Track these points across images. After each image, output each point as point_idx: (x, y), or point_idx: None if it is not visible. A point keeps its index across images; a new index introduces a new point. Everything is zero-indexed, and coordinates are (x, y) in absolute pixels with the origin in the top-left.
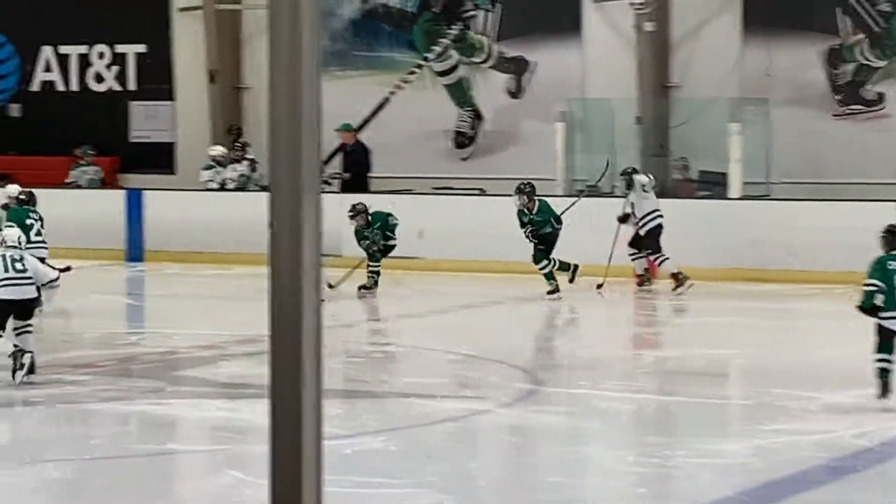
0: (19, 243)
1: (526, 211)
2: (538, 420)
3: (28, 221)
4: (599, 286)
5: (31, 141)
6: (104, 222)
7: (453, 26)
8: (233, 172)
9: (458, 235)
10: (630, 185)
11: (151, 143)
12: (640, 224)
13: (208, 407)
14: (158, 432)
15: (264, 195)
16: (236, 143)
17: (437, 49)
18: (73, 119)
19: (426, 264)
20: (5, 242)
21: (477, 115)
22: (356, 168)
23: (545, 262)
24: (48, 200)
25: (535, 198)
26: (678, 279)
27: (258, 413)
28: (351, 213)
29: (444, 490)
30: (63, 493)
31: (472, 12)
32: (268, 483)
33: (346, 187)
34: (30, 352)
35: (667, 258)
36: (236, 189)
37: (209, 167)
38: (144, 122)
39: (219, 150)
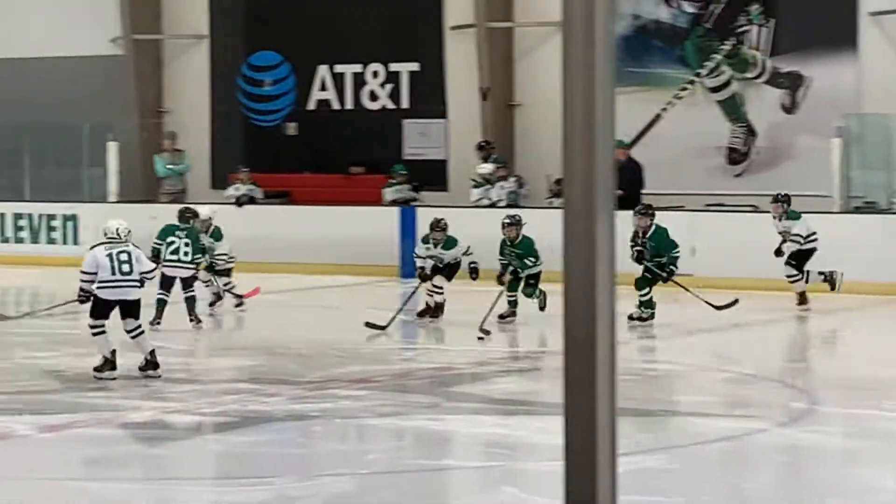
0: (118, 234)
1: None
2: (815, 440)
3: (170, 239)
4: None
5: (306, 159)
6: (378, 239)
7: (726, 42)
8: (501, 190)
9: (730, 252)
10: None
11: (424, 160)
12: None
13: (483, 423)
14: (434, 448)
15: (538, 211)
16: (496, 162)
17: (710, 65)
18: (347, 137)
19: (697, 281)
20: (106, 234)
21: (750, 131)
22: (629, 185)
23: (646, 289)
24: (324, 217)
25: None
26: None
27: (532, 430)
28: (508, 222)
29: None
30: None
31: (745, 27)
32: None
33: (620, 204)
34: (151, 350)
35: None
36: (507, 206)
37: (478, 185)
38: (417, 139)
39: (487, 168)
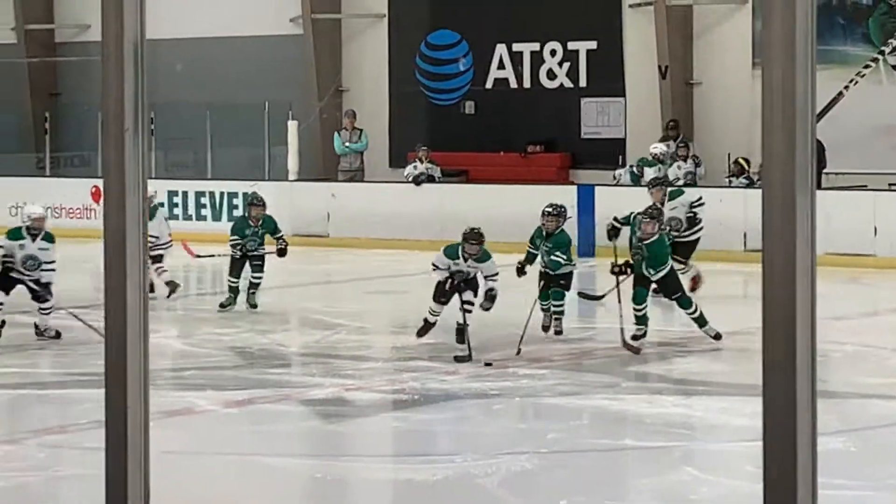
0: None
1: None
2: None
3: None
4: None
5: (484, 138)
6: None
7: None
8: (678, 171)
9: None
10: None
11: (602, 139)
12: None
13: (663, 403)
14: (614, 427)
15: (717, 191)
16: (679, 142)
17: (893, 42)
18: (525, 116)
19: (880, 262)
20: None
21: None
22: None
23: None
24: (502, 196)
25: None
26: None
27: (712, 410)
28: (550, 211)
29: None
30: (524, 485)
31: None
32: (762, 486)
33: None
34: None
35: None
36: (685, 185)
37: (650, 164)
38: (595, 117)
39: (661, 148)
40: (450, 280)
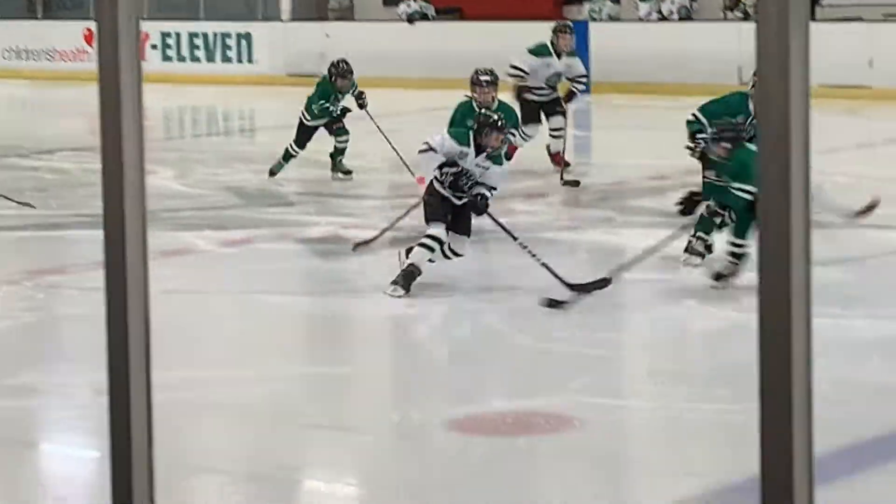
0: None
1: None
2: None
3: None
4: None
5: None
6: None
7: None
8: (671, 4)
9: None
10: None
11: None
12: None
13: (659, 236)
14: (610, 261)
15: (707, 25)
16: None
17: None
18: None
19: (876, 93)
20: None
21: None
22: None
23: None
24: (497, 33)
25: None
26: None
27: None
28: (485, 80)
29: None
30: (524, 321)
31: None
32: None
33: None
34: None
35: None
36: (680, 20)
37: None
38: None
39: None
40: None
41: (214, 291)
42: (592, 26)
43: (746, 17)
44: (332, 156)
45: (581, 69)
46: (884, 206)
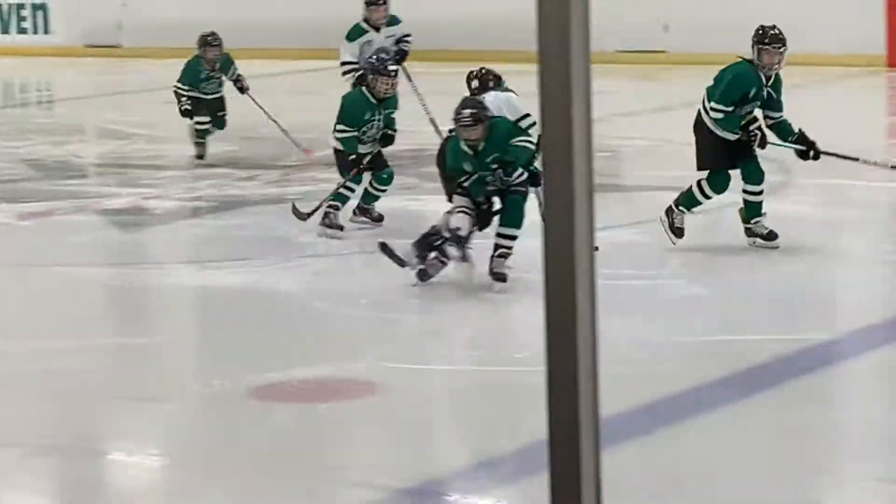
0: None
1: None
2: (793, 210)
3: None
4: None
5: None
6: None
7: None
8: None
9: (706, 28)
10: None
11: None
12: None
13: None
14: (415, 227)
15: None
16: None
17: None
18: None
19: (671, 58)
20: None
21: None
22: None
23: None
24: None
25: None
26: None
27: None
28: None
29: (694, 280)
30: (324, 287)
31: None
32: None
33: None
34: None
35: None
36: None
37: None
38: None
39: None
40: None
41: (12, 264)
42: None
43: None
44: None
45: (404, 30)
46: (676, 169)
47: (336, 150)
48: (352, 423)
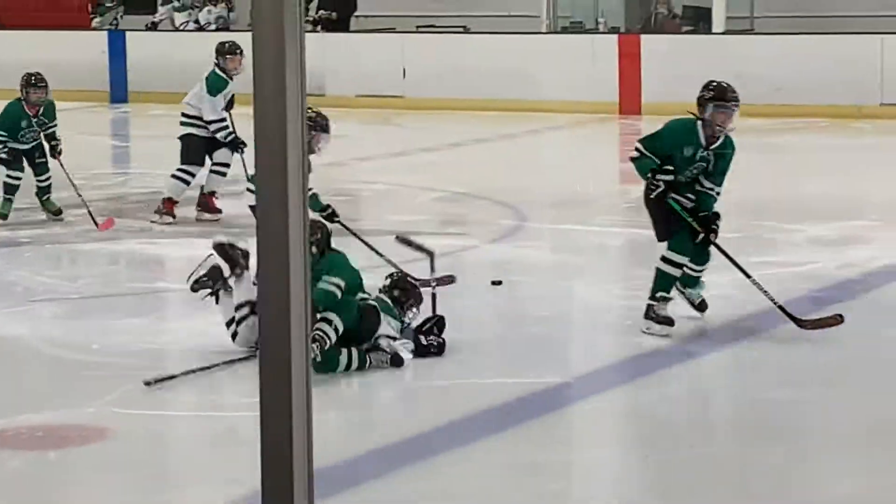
0: None
1: None
2: (525, 256)
3: None
4: None
5: None
6: (87, 63)
7: None
8: (209, 15)
9: (441, 74)
10: None
11: None
12: None
13: (197, 245)
14: (148, 271)
15: (245, 35)
16: None
17: None
18: None
19: (409, 103)
20: None
21: None
22: (341, 7)
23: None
24: (32, 41)
25: None
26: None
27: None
28: None
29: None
30: (56, 329)
31: None
32: (259, 323)
33: (332, 26)
34: None
35: None
36: (217, 30)
37: (180, 8)
38: None
39: None
40: None
41: None
42: (130, 36)
43: (315, 26)
44: (37, 195)
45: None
46: (415, 213)
47: None
48: (82, 469)
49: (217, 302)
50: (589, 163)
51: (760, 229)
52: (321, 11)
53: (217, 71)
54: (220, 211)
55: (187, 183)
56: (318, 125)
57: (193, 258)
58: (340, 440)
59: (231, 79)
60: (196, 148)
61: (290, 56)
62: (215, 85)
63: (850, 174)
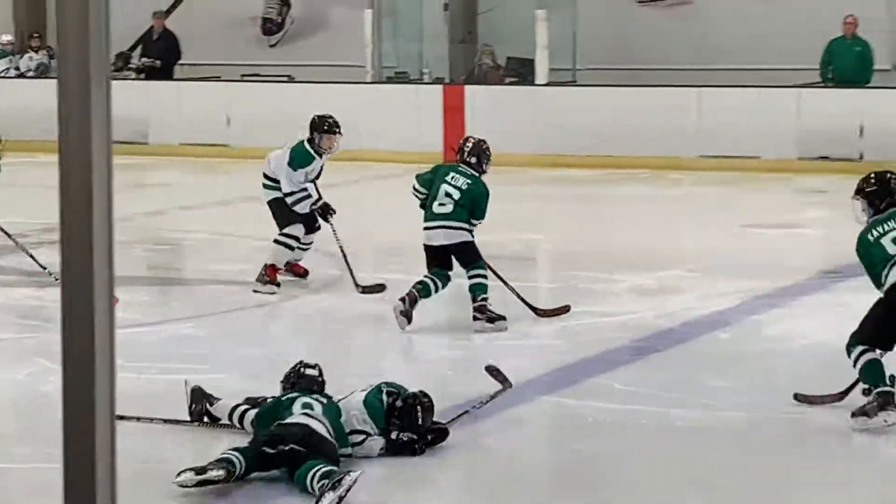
0: None
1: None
2: (353, 306)
3: None
4: None
5: None
6: None
7: None
8: (30, 62)
9: (266, 123)
10: None
11: None
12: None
13: (17, 295)
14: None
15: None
16: (34, 34)
17: None
18: None
19: (235, 152)
20: None
21: (285, 2)
22: (165, 55)
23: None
24: None
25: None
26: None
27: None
28: None
29: (256, 376)
30: None
31: None
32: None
33: (156, 74)
34: None
35: None
36: (36, 77)
37: (1, 54)
38: None
39: (8, 38)
40: None
41: None
42: None
43: (140, 73)
44: None
45: None
46: (240, 263)
47: None
48: None
49: (209, 417)
50: (412, 212)
51: (577, 279)
52: (144, 59)
53: (306, 145)
54: (306, 272)
55: (291, 248)
56: (326, 126)
57: (13, 307)
58: None
59: (320, 156)
60: (289, 210)
61: (97, 104)
62: (299, 160)
63: (669, 224)
